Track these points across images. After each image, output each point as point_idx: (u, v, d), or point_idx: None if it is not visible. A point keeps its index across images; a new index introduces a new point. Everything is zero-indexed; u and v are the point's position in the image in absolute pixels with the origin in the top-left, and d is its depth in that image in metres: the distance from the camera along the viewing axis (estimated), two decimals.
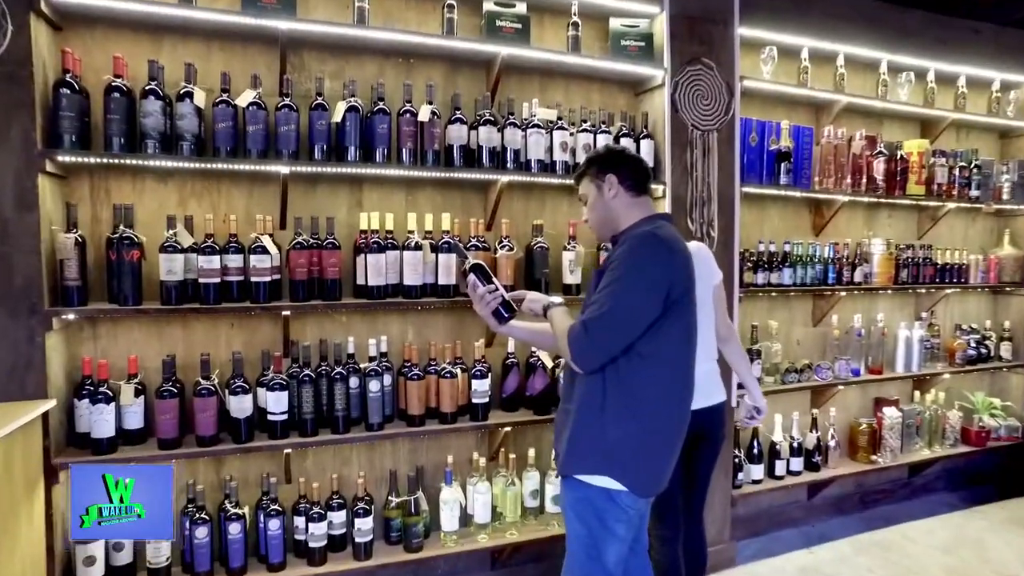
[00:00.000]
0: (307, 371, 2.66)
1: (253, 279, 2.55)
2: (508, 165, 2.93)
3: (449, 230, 2.86)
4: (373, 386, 2.72)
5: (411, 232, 2.80)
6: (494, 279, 2.11)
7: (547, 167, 3.03)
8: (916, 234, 4.37)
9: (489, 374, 2.95)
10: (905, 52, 3.92)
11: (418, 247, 2.78)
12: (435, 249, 2.84)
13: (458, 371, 2.89)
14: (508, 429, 2.97)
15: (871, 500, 4.24)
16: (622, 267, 1.83)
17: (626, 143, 3.15)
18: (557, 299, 2.12)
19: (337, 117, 2.64)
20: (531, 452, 3.10)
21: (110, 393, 2.37)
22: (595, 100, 3.30)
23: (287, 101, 2.58)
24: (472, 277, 2.09)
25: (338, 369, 2.70)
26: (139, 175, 2.58)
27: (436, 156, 2.81)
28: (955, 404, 4.40)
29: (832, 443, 3.92)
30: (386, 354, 2.85)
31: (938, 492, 4.45)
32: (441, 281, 2.83)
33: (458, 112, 2.85)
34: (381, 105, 2.71)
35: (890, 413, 4.07)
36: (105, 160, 2.36)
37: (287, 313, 2.60)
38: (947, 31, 4.11)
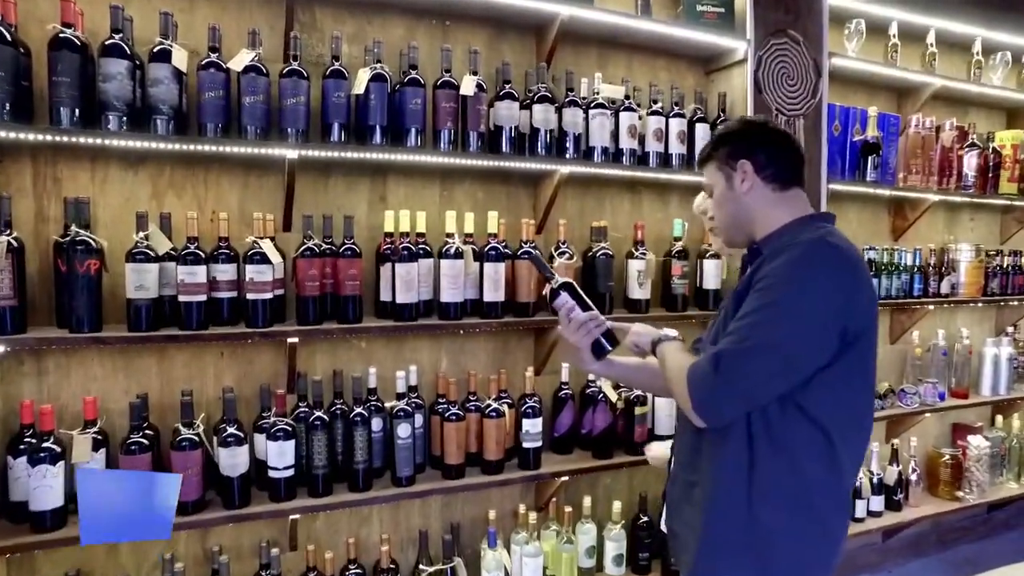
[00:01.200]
0: (318, 413, 2.07)
1: (250, 296, 1.96)
2: (568, 153, 2.36)
3: (496, 233, 2.29)
4: (402, 430, 2.15)
5: (449, 236, 2.23)
6: (590, 302, 1.60)
7: (612, 156, 2.48)
8: (999, 238, 3.88)
9: (541, 411, 2.39)
10: (1004, 27, 3.41)
11: (458, 254, 2.21)
12: (479, 257, 2.27)
13: (505, 408, 2.32)
14: (565, 478, 2.41)
15: (949, 539, 3.74)
16: (780, 286, 1.28)
17: (701, 131, 2.60)
18: (670, 332, 1.59)
19: (359, 88, 2.06)
20: (587, 501, 2.55)
21: (57, 449, 1.77)
22: (661, 79, 2.74)
23: (295, 66, 1.99)
24: (564, 298, 1.59)
25: (358, 410, 2.12)
26: (99, 159, 1.98)
27: (481, 140, 2.23)
28: None
29: (914, 478, 3.41)
30: (416, 388, 2.28)
31: (1019, 528, 3.97)
32: (487, 297, 2.26)
33: (508, 86, 2.28)
34: (414, 75, 2.13)
35: (976, 442, 3.57)
36: (51, 138, 1.76)
37: (294, 340, 2.02)
38: None
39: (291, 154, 1.96)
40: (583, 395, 2.57)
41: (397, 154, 2.10)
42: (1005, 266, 3.59)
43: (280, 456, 1.99)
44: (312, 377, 2.11)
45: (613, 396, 2.49)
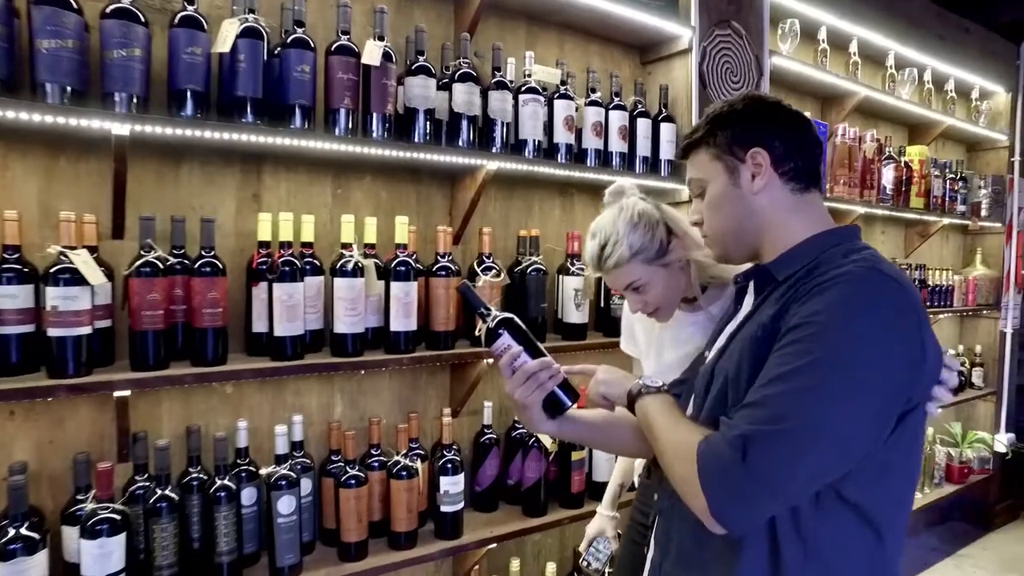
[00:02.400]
0: (164, 490, 1.49)
1: (53, 331, 1.36)
2: (495, 146, 1.93)
3: (406, 244, 1.81)
4: (284, 504, 1.61)
5: (345, 247, 1.73)
6: (539, 344, 1.18)
7: (545, 151, 2.07)
8: (904, 252, 3.90)
9: (463, 466, 1.93)
10: (912, 44, 3.38)
11: (358, 271, 1.71)
12: (384, 274, 1.78)
13: (417, 464, 1.84)
14: (492, 546, 1.96)
15: None
16: (829, 340, 0.91)
17: (643, 127, 2.27)
18: (652, 381, 1.19)
19: (223, 46, 1.51)
20: (514, 565, 2.13)
21: None
22: (596, 66, 2.38)
23: (125, 4, 1.41)
24: (505, 340, 1.16)
25: (221, 481, 1.56)
26: None
27: (388, 124, 1.75)
28: (937, 439, 4.00)
29: None
30: (302, 444, 1.75)
31: (921, 537, 4.02)
32: (396, 325, 1.77)
33: (422, 59, 1.81)
34: (300, 33, 1.61)
35: None
36: None
37: (123, 393, 1.43)
38: (945, 26, 3.66)
39: (119, 129, 1.38)
40: (509, 439, 2.14)
41: (276, 137, 1.57)
42: (912, 280, 3.59)
43: (101, 559, 1.39)
44: (156, 441, 1.52)
45: (548, 440, 2.08)
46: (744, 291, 1.20)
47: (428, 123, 1.82)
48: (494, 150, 1.93)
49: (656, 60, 2.49)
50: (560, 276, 2.16)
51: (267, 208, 1.77)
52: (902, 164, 3.41)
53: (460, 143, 1.87)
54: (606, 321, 2.24)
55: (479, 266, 1.94)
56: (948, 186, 3.76)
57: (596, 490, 2.17)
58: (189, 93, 1.48)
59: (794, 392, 0.90)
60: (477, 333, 1.26)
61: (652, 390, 1.17)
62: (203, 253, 1.54)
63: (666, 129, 2.32)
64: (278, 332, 1.61)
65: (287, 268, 1.60)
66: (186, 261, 1.54)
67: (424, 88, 1.80)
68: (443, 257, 1.87)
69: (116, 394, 1.42)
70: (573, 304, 2.11)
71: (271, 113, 1.59)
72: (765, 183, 1.08)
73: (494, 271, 1.93)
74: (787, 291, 1.02)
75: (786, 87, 3.06)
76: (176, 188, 1.66)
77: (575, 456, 2.14)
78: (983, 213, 4.04)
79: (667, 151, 2.32)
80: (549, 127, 2.07)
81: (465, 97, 1.85)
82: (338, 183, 1.91)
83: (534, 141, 2.01)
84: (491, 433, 2.09)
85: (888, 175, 3.32)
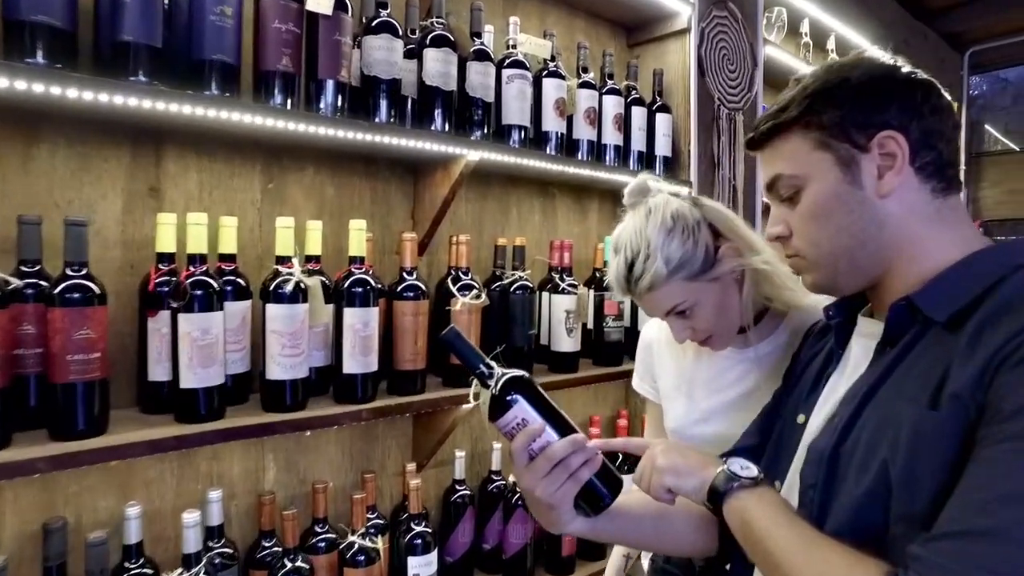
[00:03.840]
0: None
1: None
2: (476, 129, 1.52)
3: (362, 257, 1.36)
4: None
5: (281, 260, 1.27)
6: (562, 412, 0.85)
7: (532, 140, 1.69)
8: None
9: (436, 540, 1.51)
10: (882, 46, 3.24)
11: (299, 293, 1.26)
12: (334, 295, 1.33)
13: (378, 542, 1.40)
14: None
15: None
16: None
17: (638, 117, 1.93)
18: (744, 466, 0.85)
19: None
20: None
21: None
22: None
23: None
24: (520, 411, 0.84)
25: None
26: None
27: (342, 95, 1.30)
28: None
29: None
30: (222, 529, 1.27)
31: None
32: (350, 365, 1.33)
33: (384, 13, 1.38)
34: None
35: None
36: None
37: None
38: (912, 32, 3.57)
39: None
40: (485, 494, 1.74)
41: (183, 105, 1.09)
42: None
43: None
44: None
45: None
46: (842, 331, 0.87)
47: (391, 98, 1.38)
48: (475, 137, 1.52)
49: (646, 41, 2.16)
50: (546, 294, 1.77)
51: (170, 207, 1.29)
52: None
53: (434, 126, 1.45)
54: (597, 350, 1.87)
55: (454, 284, 1.52)
56: None
57: (590, 550, 1.81)
58: (42, 33, 0.99)
59: None
60: (473, 401, 0.86)
61: (747, 483, 0.81)
62: (69, 272, 1.04)
63: (662, 121, 1.98)
64: (186, 382, 1.13)
65: (199, 291, 1.13)
66: (42, 283, 1.04)
67: (388, 51, 1.36)
68: (410, 274, 1.44)
69: None
70: (564, 329, 1.73)
71: (176, 72, 1.12)
72: (898, 183, 0.76)
73: (474, 291, 1.52)
74: (973, 342, 0.68)
75: (770, 82, 2.81)
76: (28, 175, 1.15)
77: None
78: None
79: (663, 146, 1.99)
80: (536, 112, 1.69)
81: (440, 67, 1.43)
82: (270, 174, 1.44)
83: (521, 128, 1.61)
84: (464, 489, 1.68)
85: None
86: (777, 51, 2.45)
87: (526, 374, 0.83)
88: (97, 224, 1.20)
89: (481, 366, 0.81)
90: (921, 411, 0.67)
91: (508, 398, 0.81)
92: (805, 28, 2.76)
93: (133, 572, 1.14)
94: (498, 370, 0.81)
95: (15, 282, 1.00)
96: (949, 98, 0.84)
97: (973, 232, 0.80)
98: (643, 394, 1.43)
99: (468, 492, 1.68)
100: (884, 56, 0.83)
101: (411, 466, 1.55)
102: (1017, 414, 0.60)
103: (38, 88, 0.96)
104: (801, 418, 0.85)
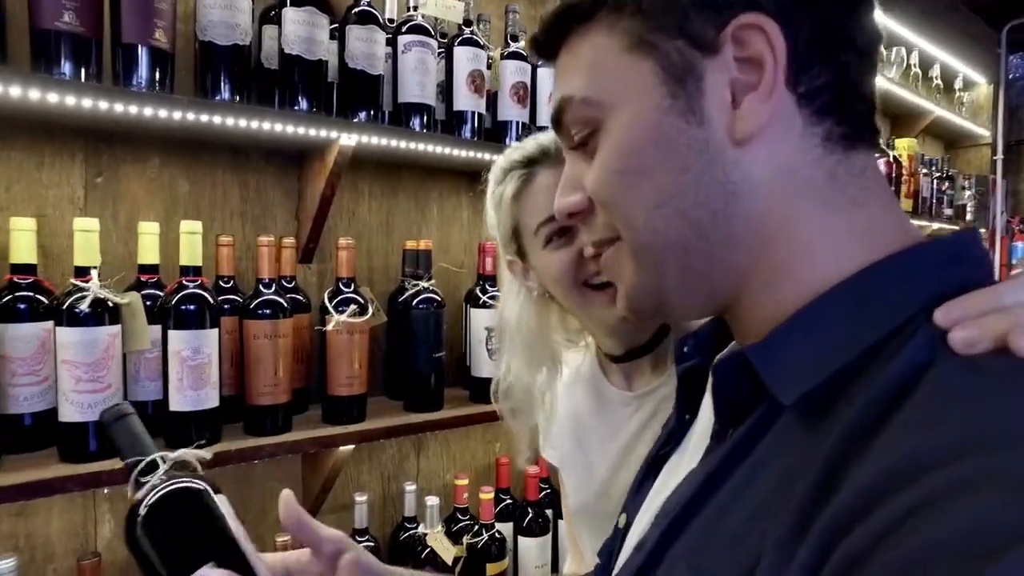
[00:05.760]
0: None
1: None
2: (361, 109, 1.24)
3: (198, 267, 1.09)
4: None
5: (81, 272, 1.01)
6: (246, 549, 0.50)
7: (443, 123, 1.40)
8: None
9: None
10: (897, 16, 2.86)
11: (102, 315, 0.99)
12: (158, 315, 1.07)
13: None
14: None
15: None
16: None
17: None
18: None
19: None
20: None
21: None
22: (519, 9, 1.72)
23: None
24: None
25: None
26: None
27: (156, 63, 1.03)
28: None
29: None
30: None
31: None
32: (177, 402, 1.06)
33: None
34: None
35: None
36: None
37: None
38: (931, 1, 3.16)
39: None
40: (395, 544, 1.46)
41: None
42: None
43: None
44: None
45: (447, 553, 1.39)
46: (694, 381, 0.55)
47: (233, 71, 1.11)
48: (358, 119, 1.24)
49: None
50: (466, 308, 1.49)
51: None
52: (891, 159, 2.89)
53: (298, 106, 1.17)
54: None
55: (332, 299, 1.24)
56: (935, 186, 3.27)
57: None
58: None
59: None
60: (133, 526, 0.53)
61: None
62: None
63: None
64: None
65: None
66: None
67: (231, 13, 1.09)
68: (267, 286, 1.16)
69: None
70: (484, 349, 1.44)
71: None
72: (769, 113, 0.42)
73: (355, 306, 1.24)
74: (834, 467, 0.35)
75: None
76: None
77: (491, 571, 1.47)
78: (968, 217, 3.58)
79: None
80: (448, 88, 1.40)
81: (302, 30, 1.15)
82: (97, 165, 1.18)
83: (423, 107, 1.33)
84: (368, 541, 1.40)
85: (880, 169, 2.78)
86: None
87: (203, 487, 0.53)
88: None
89: (131, 460, 0.52)
90: (747, 554, 0.36)
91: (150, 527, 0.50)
92: None
93: None
94: (160, 473, 0.51)
95: None
96: None
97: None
98: (546, 458, 1.12)
99: (373, 543, 1.40)
100: None
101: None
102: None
103: None
104: (622, 519, 0.54)
